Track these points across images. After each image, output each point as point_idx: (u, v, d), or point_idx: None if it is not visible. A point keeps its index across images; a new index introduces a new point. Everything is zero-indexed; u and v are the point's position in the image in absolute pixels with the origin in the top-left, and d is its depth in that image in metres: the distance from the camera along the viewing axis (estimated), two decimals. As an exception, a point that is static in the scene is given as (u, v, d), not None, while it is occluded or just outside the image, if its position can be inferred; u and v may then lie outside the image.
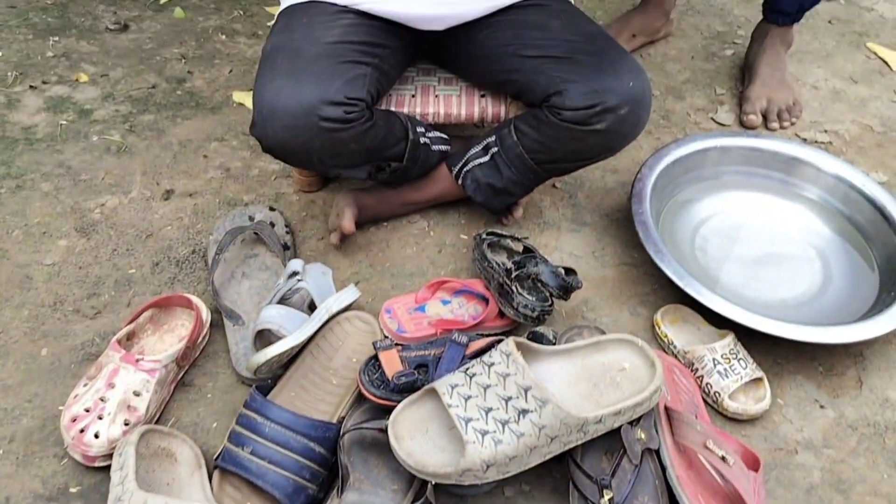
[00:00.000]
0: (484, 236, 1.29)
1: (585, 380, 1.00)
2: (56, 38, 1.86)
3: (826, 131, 1.70)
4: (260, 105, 1.14)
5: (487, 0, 1.29)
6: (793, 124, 1.71)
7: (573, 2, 1.38)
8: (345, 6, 1.26)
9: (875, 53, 1.97)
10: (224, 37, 1.91)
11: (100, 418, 1.00)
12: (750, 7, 2.13)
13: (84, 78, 1.73)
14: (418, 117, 1.35)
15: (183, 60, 1.81)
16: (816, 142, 1.67)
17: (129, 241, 1.35)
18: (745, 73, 1.82)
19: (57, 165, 1.50)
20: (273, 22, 1.32)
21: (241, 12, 2.01)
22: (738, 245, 1.39)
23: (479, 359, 0.97)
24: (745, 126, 1.70)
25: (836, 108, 1.78)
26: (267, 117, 1.13)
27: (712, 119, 1.72)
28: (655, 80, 1.83)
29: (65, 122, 1.61)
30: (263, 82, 1.15)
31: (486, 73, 1.35)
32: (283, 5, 1.32)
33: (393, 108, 1.34)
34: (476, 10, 1.29)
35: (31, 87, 1.70)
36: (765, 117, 1.71)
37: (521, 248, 1.29)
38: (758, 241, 1.40)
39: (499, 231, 1.30)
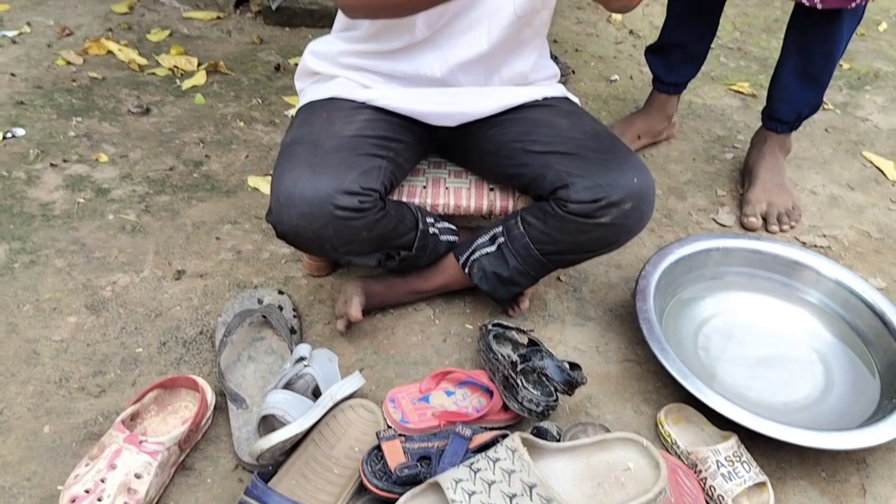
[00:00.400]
0: (490, 327, 1.30)
1: (590, 479, 0.99)
2: (79, 119, 1.92)
3: (825, 236, 1.74)
4: (277, 192, 1.17)
5: (497, 100, 1.35)
6: (792, 227, 1.75)
7: (579, 103, 1.44)
8: (363, 102, 1.32)
9: (871, 162, 2.04)
10: (242, 123, 1.97)
11: (99, 500, 0.99)
12: (748, 113, 2.21)
13: (104, 158, 1.78)
14: (429, 208, 1.39)
15: (201, 144, 1.87)
16: (816, 246, 1.70)
17: (137, 320, 1.37)
18: (745, 176, 1.88)
19: (71, 242, 1.53)
20: (293, 116, 1.38)
21: (260, 101, 2.08)
22: (741, 346, 1.40)
23: (483, 453, 0.97)
24: (745, 228, 1.74)
25: (834, 214, 1.83)
26: (284, 204, 1.16)
27: (713, 220, 1.77)
28: (658, 179, 1.89)
29: (82, 201, 1.65)
30: (282, 172, 1.19)
31: (496, 167, 1.39)
32: (303, 101, 1.38)
33: (405, 199, 1.38)
34: (486, 108, 1.34)
35: (51, 164, 1.74)
36: (765, 220, 1.75)
37: (526, 341, 1.30)
38: (760, 342, 1.41)
39: (504, 323, 1.31)
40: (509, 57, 1.32)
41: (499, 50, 1.29)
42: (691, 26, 1.84)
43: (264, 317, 1.34)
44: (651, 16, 2.77)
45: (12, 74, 2.07)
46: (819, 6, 1.54)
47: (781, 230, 1.74)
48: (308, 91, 1.39)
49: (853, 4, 1.54)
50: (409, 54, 1.28)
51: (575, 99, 1.44)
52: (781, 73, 1.75)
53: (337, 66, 1.36)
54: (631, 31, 2.67)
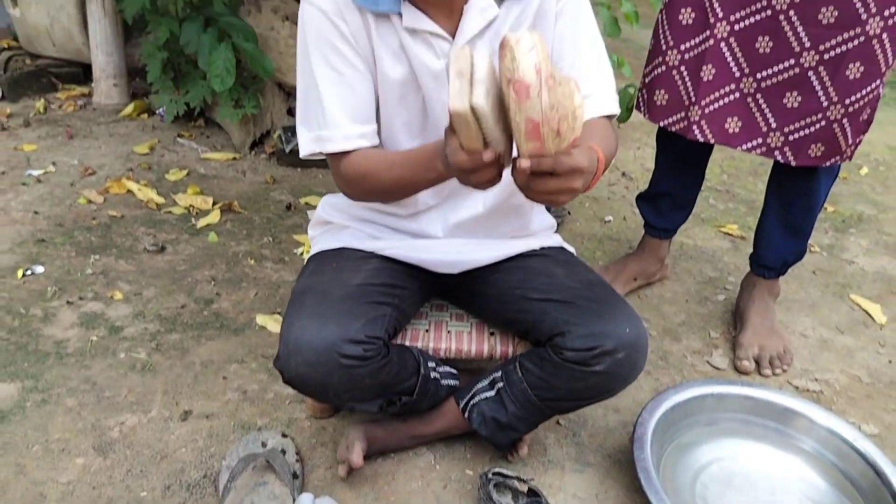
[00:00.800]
0: (490, 476, 1.32)
1: None
2: (97, 257, 2.01)
3: (816, 380, 1.78)
4: (286, 340, 1.23)
5: (497, 249, 1.43)
6: (784, 371, 1.79)
7: (575, 251, 1.52)
8: (371, 252, 1.40)
9: (858, 305, 2.11)
10: (252, 261, 2.06)
11: None
12: (738, 255, 2.30)
13: (119, 296, 1.85)
14: (431, 352, 1.44)
15: (212, 282, 1.95)
16: (808, 390, 1.74)
17: (143, 462, 1.39)
18: (736, 319, 1.94)
19: (83, 381, 1.57)
20: (305, 263, 1.45)
21: (271, 239, 2.18)
22: (738, 494, 1.42)
23: None
24: (739, 371, 1.78)
25: (825, 358, 1.87)
26: (292, 352, 1.21)
27: (708, 362, 1.81)
28: (653, 320, 1.95)
29: (95, 338, 1.70)
30: (291, 320, 1.25)
31: (495, 313, 1.45)
32: (315, 249, 1.46)
33: (408, 343, 1.43)
34: (487, 257, 1.42)
35: (68, 302, 1.81)
36: (757, 363, 1.80)
37: (526, 489, 1.32)
38: (756, 490, 1.43)
39: (505, 472, 1.34)
40: (505, 216, 1.42)
41: (494, 212, 1.39)
42: (679, 176, 1.96)
43: (268, 461, 1.36)
44: (642, 158, 2.93)
45: (35, 212, 2.18)
46: (793, 163, 1.65)
47: (774, 374, 1.78)
48: (320, 239, 1.48)
49: (827, 163, 1.65)
50: (414, 216, 1.38)
51: (570, 248, 1.52)
52: (765, 223, 1.85)
53: (349, 218, 1.45)
54: (623, 174, 2.82)
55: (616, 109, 1.30)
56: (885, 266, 2.34)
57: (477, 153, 0.96)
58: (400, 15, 1.20)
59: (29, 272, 1.91)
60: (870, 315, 2.06)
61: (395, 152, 1.25)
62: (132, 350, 1.68)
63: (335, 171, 1.28)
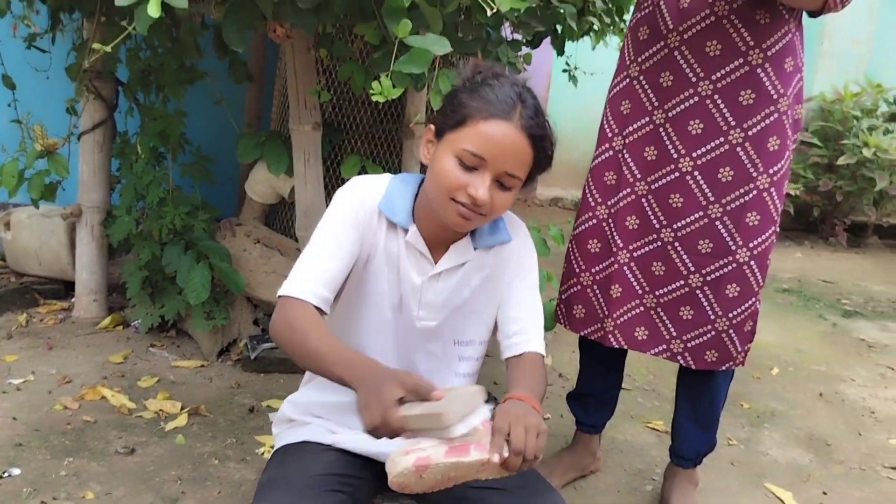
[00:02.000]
0: None
1: None
2: (70, 459, 2.14)
3: (735, 563, 1.96)
4: None
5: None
6: (706, 556, 1.97)
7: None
8: (329, 445, 1.60)
9: (773, 493, 2.33)
10: (217, 461, 2.21)
11: None
12: (663, 448, 2.53)
13: (90, 496, 1.98)
14: (383, 539, 1.60)
15: (179, 482, 2.09)
16: (727, 572, 1.91)
17: None
18: (662, 507, 2.14)
19: (54, 577, 1.67)
20: (270, 456, 1.64)
21: (234, 440, 2.34)
22: None
23: None
24: (666, 557, 1.96)
25: (742, 542, 2.06)
26: None
27: (637, 549, 1.99)
28: (587, 510, 2.13)
29: (66, 537, 1.81)
30: None
31: (439, 501, 1.64)
32: (279, 443, 1.66)
33: (362, 531, 1.59)
34: (434, 450, 1.64)
35: (42, 502, 1.93)
36: (684, 549, 1.98)
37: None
38: None
39: None
40: None
41: None
42: (601, 377, 2.24)
43: None
44: (576, 361, 3.19)
45: (14, 418, 2.33)
46: (693, 367, 1.95)
47: (698, 559, 1.95)
48: (284, 435, 1.67)
49: (723, 368, 1.95)
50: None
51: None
52: (678, 418, 2.11)
53: (309, 415, 1.66)
54: (560, 374, 3.10)
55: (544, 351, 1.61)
56: (796, 457, 2.59)
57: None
58: (406, 231, 1.52)
59: (6, 474, 2.03)
60: (783, 502, 2.28)
61: (328, 334, 1.42)
62: (101, 547, 1.79)
63: (277, 311, 1.45)
